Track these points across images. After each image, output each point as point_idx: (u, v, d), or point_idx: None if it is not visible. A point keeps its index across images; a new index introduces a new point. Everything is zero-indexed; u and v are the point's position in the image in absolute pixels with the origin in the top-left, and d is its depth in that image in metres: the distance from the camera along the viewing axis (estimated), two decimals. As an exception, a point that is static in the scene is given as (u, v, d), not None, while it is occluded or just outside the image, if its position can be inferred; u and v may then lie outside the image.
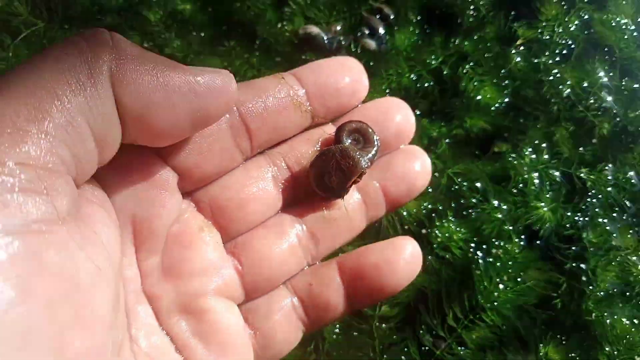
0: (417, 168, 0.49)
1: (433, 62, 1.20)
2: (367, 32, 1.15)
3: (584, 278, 1.05)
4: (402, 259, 0.46)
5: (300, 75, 0.46)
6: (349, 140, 0.49)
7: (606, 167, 1.10)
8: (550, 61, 1.18)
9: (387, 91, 1.16)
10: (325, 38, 1.14)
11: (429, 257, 1.08)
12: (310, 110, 0.46)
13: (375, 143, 0.49)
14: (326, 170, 0.46)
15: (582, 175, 1.10)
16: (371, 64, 1.18)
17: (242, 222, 0.45)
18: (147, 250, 0.40)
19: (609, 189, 1.08)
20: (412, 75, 1.19)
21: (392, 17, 1.19)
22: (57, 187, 0.26)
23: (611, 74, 1.17)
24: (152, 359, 0.37)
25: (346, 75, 0.47)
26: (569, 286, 1.05)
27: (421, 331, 1.03)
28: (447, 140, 1.15)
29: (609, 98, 1.16)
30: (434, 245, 1.09)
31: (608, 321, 1.01)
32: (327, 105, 0.47)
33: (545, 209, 1.07)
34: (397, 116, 0.50)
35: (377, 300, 0.50)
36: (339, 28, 1.16)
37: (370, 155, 0.48)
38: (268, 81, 0.45)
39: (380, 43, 1.19)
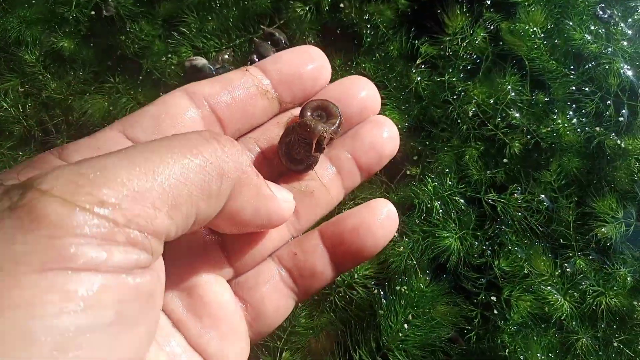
0: (384, 135, 0.51)
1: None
2: (256, 59, 1.09)
3: (497, 310, 0.99)
4: (378, 220, 0.48)
5: (264, 66, 0.50)
6: (312, 116, 0.52)
7: (517, 189, 1.05)
8: (454, 78, 1.12)
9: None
10: (212, 68, 1.08)
11: (333, 296, 1.01)
12: (277, 96, 0.50)
13: (338, 115, 0.52)
14: (292, 146, 0.49)
15: (490, 200, 1.04)
16: (267, 92, 1.12)
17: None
18: None
19: (519, 212, 1.03)
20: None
21: (284, 41, 1.13)
22: (157, 249, 0.32)
23: (520, 88, 1.12)
24: None
25: (308, 62, 0.50)
26: (483, 318, 0.99)
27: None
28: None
29: (518, 115, 1.10)
30: (337, 284, 1.02)
31: (522, 357, 0.95)
32: (293, 91, 0.50)
33: (451, 239, 1.01)
34: (361, 92, 0.53)
35: (361, 261, 0.51)
36: (227, 56, 1.11)
37: (334, 127, 0.51)
38: (234, 74, 0.49)
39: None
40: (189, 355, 0.43)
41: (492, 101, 1.11)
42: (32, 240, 0.28)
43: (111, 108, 1.09)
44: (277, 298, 0.48)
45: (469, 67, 1.15)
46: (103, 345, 0.28)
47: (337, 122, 0.52)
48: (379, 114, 0.55)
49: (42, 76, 1.11)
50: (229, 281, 0.48)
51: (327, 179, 0.52)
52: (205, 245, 0.47)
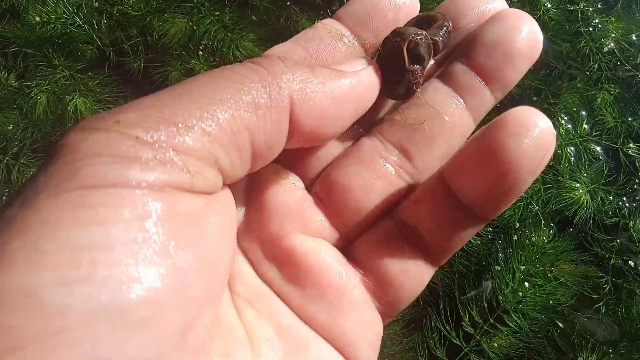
0: (515, 28, 0.41)
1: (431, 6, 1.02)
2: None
3: (632, 277, 0.89)
4: (518, 133, 0.36)
5: (338, 14, 0.44)
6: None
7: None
8: (590, 9, 0.99)
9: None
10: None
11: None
12: (354, 38, 0.44)
13: (442, 18, 0.43)
14: (385, 67, 0.42)
15: (630, 151, 0.92)
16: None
17: (318, 161, 0.44)
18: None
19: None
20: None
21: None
22: (202, 173, 0.31)
23: (667, 23, 0.98)
24: (252, 305, 0.39)
25: None
26: (614, 286, 0.89)
27: (432, 340, 0.88)
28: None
29: (664, 52, 0.97)
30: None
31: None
32: (373, 28, 0.44)
33: (581, 190, 0.90)
34: (482, 5, 0.43)
35: (505, 202, 0.37)
36: (327, -26, 1.00)
37: (439, 31, 0.42)
38: (305, 30, 0.43)
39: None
40: (298, 328, 0.40)
41: (634, 37, 0.98)
42: (51, 168, 0.28)
43: (194, 28, 1.00)
44: (403, 260, 0.42)
45: (606, -3, 1.01)
46: (123, 264, 0.26)
47: (444, 28, 0.42)
48: None
49: (118, -10, 1.03)
50: (336, 246, 0.43)
51: (440, 101, 0.42)
52: (299, 206, 0.43)
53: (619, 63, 0.98)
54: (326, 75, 0.38)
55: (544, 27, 1.01)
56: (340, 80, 0.38)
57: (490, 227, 0.92)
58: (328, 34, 0.44)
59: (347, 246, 0.43)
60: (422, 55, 0.41)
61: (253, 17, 1.02)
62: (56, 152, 0.28)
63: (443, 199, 0.40)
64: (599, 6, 1.01)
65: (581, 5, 1.00)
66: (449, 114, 0.42)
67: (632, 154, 0.92)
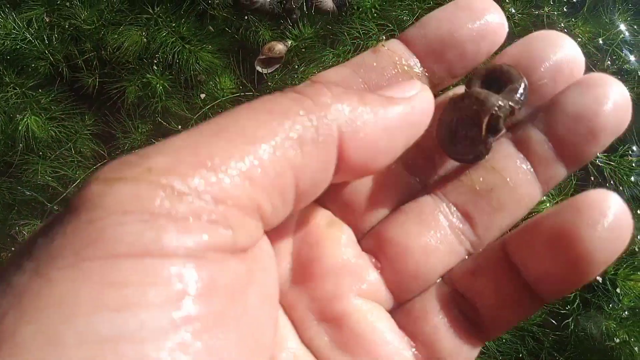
0: (601, 101, 0.37)
1: (407, 19, 1.00)
2: (321, -14, 0.95)
3: (600, 292, 0.86)
4: (596, 225, 0.34)
5: (406, 36, 0.41)
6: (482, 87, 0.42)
7: (629, 151, 0.89)
8: (556, 12, 0.96)
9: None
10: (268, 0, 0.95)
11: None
12: (424, 71, 0.41)
13: (520, 78, 0.39)
14: (455, 127, 0.40)
15: (597, 160, 0.89)
16: (329, 27, 0.99)
17: (373, 213, 0.41)
18: (277, 253, 0.38)
19: (632, 178, 0.88)
20: (382, 37, 0.99)
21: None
22: (244, 225, 0.27)
23: (635, 27, 0.95)
24: None
25: (468, 19, 0.39)
26: (583, 301, 0.86)
27: None
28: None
29: (632, 58, 0.94)
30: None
31: (637, 349, 0.82)
32: (447, 60, 0.40)
33: (548, 204, 0.87)
34: (554, 53, 0.39)
35: (572, 287, 0.34)
36: (285, -16, 0.97)
37: (517, 95, 0.39)
38: (365, 54, 0.41)
39: (340, 1, 0.99)
40: None
41: (600, 41, 0.95)
42: (70, 229, 0.23)
43: (148, 42, 0.97)
44: (454, 332, 0.39)
45: (573, 0, 0.98)
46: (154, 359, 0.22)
47: (521, 89, 0.39)
48: None
49: (70, 3, 0.99)
50: (390, 312, 0.40)
51: (511, 170, 0.39)
52: (354, 265, 0.39)
53: (587, 68, 0.95)
54: (377, 103, 0.34)
55: (509, 34, 0.98)
56: (392, 108, 0.34)
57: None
58: (392, 63, 0.40)
59: (397, 308, 0.40)
60: (499, 128, 0.38)
61: (210, 27, 0.98)
62: (76, 207, 0.24)
63: (505, 274, 0.37)
64: (565, 9, 0.97)
65: (546, 9, 0.97)
66: (519, 184, 0.39)
67: (600, 164, 0.89)
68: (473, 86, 0.42)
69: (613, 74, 0.89)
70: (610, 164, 0.89)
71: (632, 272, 0.86)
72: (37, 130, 0.94)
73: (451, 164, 0.44)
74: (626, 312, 0.84)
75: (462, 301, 0.40)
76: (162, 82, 0.97)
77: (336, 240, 0.40)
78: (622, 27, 0.96)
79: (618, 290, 0.84)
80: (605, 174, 0.89)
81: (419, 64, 0.41)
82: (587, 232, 0.35)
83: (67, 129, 0.95)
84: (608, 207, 0.35)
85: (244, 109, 0.30)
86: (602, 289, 0.86)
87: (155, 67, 0.97)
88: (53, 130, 0.94)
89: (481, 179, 0.41)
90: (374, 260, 0.40)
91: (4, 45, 0.98)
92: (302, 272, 0.39)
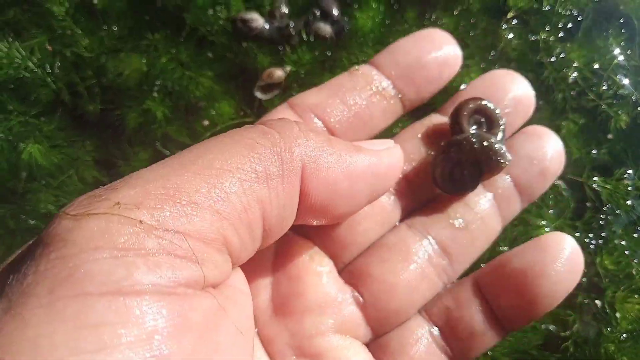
0: (546, 149, 0.45)
1: (406, 46, 1.00)
2: (318, 14, 0.96)
3: (599, 314, 0.87)
4: (556, 262, 0.40)
5: (378, 61, 0.44)
6: (472, 126, 0.45)
7: (625, 174, 0.90)
8: (552, 38, 0.98)
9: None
10: (267, 27, 0.96)
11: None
12: (397, 94, 0.44)
13: (501, 125, 0.44)
14: (457, 164, 0.42)
15: (595, 185, 0.90)
16: (328, 53, 1.00)
17: (355, 244, 0.42)
18: (256, 285, 0.38)
19: (629, 201, 0.89)
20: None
21: (349, -7, 1.00)
22: (212, 260, 0.27)
23: (629, 52, 0.97)
24: None
25: (431, 48, 0.44)
26: (582, 324, 0.87)
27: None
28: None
29: (626, 82, 0.95)
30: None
31: (634, 371, 0.83)
32: (415, 83, 0.44)
33: (547, 228, 0.88)
34: (512, 89, 0.46)
35: (536, 317, 0.41)
36: (285, 11, 0.97)
37: (501, 135, 0.44)
38: (342, 77, 0.44)
39: (338, 27, 1.00)
40: None
41: (596, 66, 0.96)
42: (42, 266, 0.23)
43: (147, 71, 0.97)
44: None
45: (568, 26, 0.99)
46: None
47: (502, 134, 0.44)
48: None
49: (72, 32, 1.00)
50: (367, 344, 0.42)
51: (482, 206, 0.43)
52: (335, 301, 0.40)
53: (582, 93, 0.96)
54: (343, 148, 0.34)
55: (506, 58, 0.99)
56: (357, 155, 0.35)
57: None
58: (368, 86, 0.42)
59: (374, 341, 0.42)
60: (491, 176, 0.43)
61: (209, 54, 0.99)
62: (46, 243, 0.24)
63: (478, 309, 0.40)
64: (561, 35, 0.98)
65: (542, 35, 0.98)
66: (488, 220, 0.43)
67: (597, 188, 0.90)
68: (462, 121, 0.44)
69: (608, 98, 0.90)
70: (606, 188, 0.90)
71: (630, 294, 0.86)
72: (39, 158, 0.94)
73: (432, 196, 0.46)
74: (624, 335, 0.85)
75: (437, 334, 0.42)
76: (162, 108, 0.98)
77: (317, 275, 0.40)
78: (617, 51, 0.97)
79: (617, 314, 0.85)
80: (602, 197, 0.90)
81: (391, 86, 0.44)
82: (549, 267, 0.40)
83: (69, 156, 0.96)
84: (564, 246, 0.41)
85: (213, 141, 0.30)
86: (600, 312, 0.87)
87: (156, 94, 0.98)
88: (56, 158, 0.94)
89: (459, 217, 0.42)
90: (355, 293, 0.41)
91: (8, 74, 0.98)
92: (282, 306, 0.39)
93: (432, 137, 0.46)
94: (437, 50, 0.44)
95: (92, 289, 0.23)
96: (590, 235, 0.89)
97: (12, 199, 0.94)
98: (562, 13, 0.99)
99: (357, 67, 0.45)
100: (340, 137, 0.42)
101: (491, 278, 0.42)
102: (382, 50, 0.46)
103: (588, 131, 0.95)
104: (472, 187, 0.43)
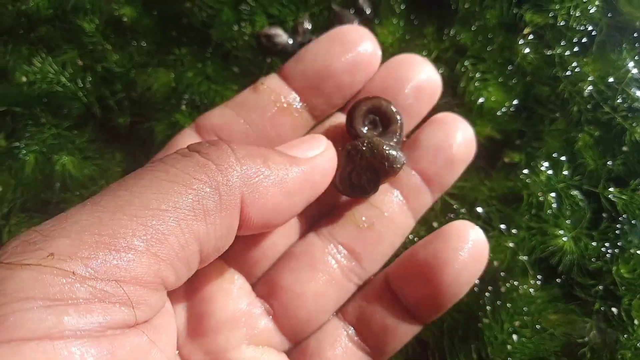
0: (453, 137, 0.43)
1: (425, 60, 1.03)
2: (340, 30, 0.99)
3: (615, 322, 0.89)
4: (459, 251, 0.39)
5: (286, 71, 0.42)
6: (365, 128, 0.43)
7: (640, 185, 0.93)
8: (567, 52, 1.00)
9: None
10: (291, 42, 0.99)
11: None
12: (304, 106, 0.42)
13: (398, 120, 0.43)
14: (354, 169, 0.42)
15: (611, 196, 0.93)
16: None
17: (266, 258, 0.42)
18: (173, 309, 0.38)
19: (645, 212, 0.91)
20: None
21: (368, 10, 1.03)
22: (147, 301, 0.27)
23: (643, 66, 0.99)
24: None
25: (340, 52, 0.41)
26: (599, 331, 0.89)
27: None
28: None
29: (640, 95, 0.98)
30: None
31: (650, 377, 0.85)
32: (325, 94, 0.42)
33: (565, 237, 0.90)
34: (414, 77, 0.44)
35: (444, 307, 0.41)
36: (308, 27, 1.00)
37: (396, 136, 0.43)
38: (246, 93, 0.42)
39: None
40: None
41: (611, 80, 0.98)
42: None
43: (174, 85, 1.01)
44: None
45: (582, 40, 1.02)
46: None
47: (399, 131, 0.43)
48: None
49: (102, 47, 1.03)
50: (288, 352, 0.42)
51: (387, 203, 0.43)
52: (246, 315, 0.40)
53: (598, 106, 0.99)
54: (279, 165, 0.34)
55: (522, 72, 1.01)
56: (294, 169, 0.35)
57: (477, 279, 0.92)
58: (272, 102, 0.41)
59: (294, 348, 0.42)
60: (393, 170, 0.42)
61: (235, 68, 1.02)
62: None
63: (388, 303, 0.41)
64: (576, 49, 1.01)
65: (557, 50, 1.00)
66: (395, 216, 0.43)
67: (613, 199, 0.93)
68: (356, 124, 0.43)
69: (623, 111, 0.93)
70: (622, 198, 0.92)
71: (646, 302, 0.89)
72: (72, 169, 0.98)
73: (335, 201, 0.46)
74: (640, 342, 0.87)
75: (353, 333, 0.42)
76: (190, 121, 1.01)
77: (227, 293, 0.40)
78: (630, 65, 0.99)
79: (635, 321, 0.87)
80: (618, 208, 0.92)
81: (298, 99, 0.42)
82: (452, 257, 0.40)
83: (100, 167, 0.99)
84: (468, 235, 0.41)
85: (149, 177, 0.29)
86: (616, 319, 0.89)
87: (184, 107, 1.01)
88: (87, 169, 0.97)
89: (363, 218, 0.43)
90: (266, 305, 0.41)
91: (41, 88, 1.02)
92: (196, 327, 0.39)
93: (332, 140, 0.44)
94: (348, 53, 0.41)
95: (21, 335, 0.23)
96: (607, 244, 0.92)
97: (47, 209, 0.97)
98: (577, 28, 1.02)
99: (262, 81, 0.43)
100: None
101: (399, 271, 0.42)
102: (292, 58, 0.44)
103: (603, 143, 0.97)
104: (373, 190, 0.43)
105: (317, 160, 0.37)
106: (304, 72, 0.41)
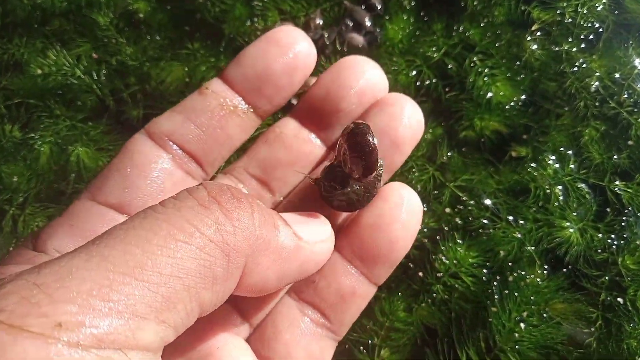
0: (398, 118, 0.43)
1: (434, 55, 1.06)
2: (350, 25, 1.01)
3: (621, 312, 0.91)
4: (397, 211, 0.41)
5: (227, 75, 0.43)
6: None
7: (646, 178, 0.95)
8: (574, 49, 1.03)
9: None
10: (302, 35, 1.00)
11: (436, 286, 0.95)
12: (249, 108, 0.43)
13: (381, 167, 0.42)
14: (339, 175, 0.41)
15: (617, 188, 0.95)
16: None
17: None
18: None
19: (650, 204, 0.93)
20: (410, 72, 1.05)
21: (379, 6, 1.05)
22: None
23: (648, 62, 1.01)
24: None
25: (277, 54, 0.42)
26: (605, 321, 0.91)
27: (430, 378, 0.91)
28: (451, 147, 1.00)
29: (646, 90, 1.00)
30: (440, 274, 0.95)
31: (655, 366, 0.87)
32: (266, 95, 0.43)
33: (572, 229, 0.92)
34: (360, 78, 0.44)
35: (393, 264, 0.42)
36: (319, 22, 1.02)
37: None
38: (193, 98, 0.43)
39: (370, 37, 1.05)
40: None
41: (617, 76, 1.00)
42: None
43: (188, 79, 1.03)
44: (307, 343, 0.42)
45: (589, 37, 1.04)
46: None
47: (381, 170, 0.43)
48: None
49: (116, 41, 1.05)
50: (247, 339, 0.42)
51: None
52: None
53: (604, 101, 1.01)
54: (286, 240, 0.34)
55: (530, 68, 1.03)
56: (294, 253, 0.35)
57: (485, 269, 0.94)
58: (219, 106, 0.42)
59: (253, 333, 0.43)
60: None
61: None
62: None
63: (341, 272, 0.42)
64: (583, 46, 1.03)
65: (565, 46, 1.02)
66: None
67: (619, 192, 0.95)
68: (346, 162, 0.42)
69: (629, 106, 0.95)
70: (627, 191, 0.95)
71: (650, 293, 0.91)
72: (87, 160, 1.00)
73: None
74: (646, 332, 0.89)
75: (310, 311, 0.42)
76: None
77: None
78: (637, 61, 1.01)
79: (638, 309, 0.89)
80: (623, 200, 0.94)
81: (243, 102, 0.43)
82: (395, 214, 0.41)
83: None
84: (404, 194, 0.41)
85: (163, 235, 0.28)
86: (622, 309, 0.91)
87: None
88: (101, 160, 0.99)
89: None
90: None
91: (56, 81, 1.04)
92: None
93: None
94: (285, 55, 0.42)
95: None
96: (613, 236, 0.94)
97: (61, 200, 0.99)
98: (584, 25, 1.04)
99: (207, 85, 0.43)
100: (201, 159, 0.43)
101: (347, 240, 0.43)
102: (232, 62, 0.45)
103: (609, 137, 0.99)
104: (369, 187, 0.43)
105: (318, 247, 0.37)
106: (245, 75, 0.43)
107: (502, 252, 0.94)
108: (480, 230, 0.97)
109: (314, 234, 0.37)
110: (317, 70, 1.04)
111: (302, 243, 0.36)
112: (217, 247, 0.29)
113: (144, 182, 0.40)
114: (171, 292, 0.27)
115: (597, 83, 1.01)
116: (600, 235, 0.94)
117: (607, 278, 0.92)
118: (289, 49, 0.42)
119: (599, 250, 0.93)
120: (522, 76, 1.03)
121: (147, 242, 0.27)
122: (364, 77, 0.43)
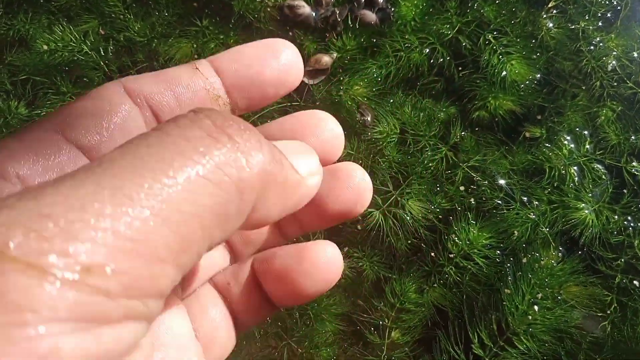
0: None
1: (448, 33, 1.04)
2: (362, 1, 0.99)
3: (638, 295, 0.89)
4: (314, 263, 0.41)
5: (219, 63, 0.40)
6: None
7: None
8: (591, 27, 1.00)
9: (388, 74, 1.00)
10: (315, 15, 0.99)
11: (448, 268, 0.93)
12: (229, 102, 0.41)
13: None
14: None
15: (634, 169, 0.93)
16: (373, 40, 1.02)
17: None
18: None
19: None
20: (423, 50, 1.03)
21: (392, -17, 1.03)
22: (151, 313, 0.25)
23: (668, 40, 0.99)
24: None
25: (273, 63, 0.40)
26: (620, 304, 0.90)
27: (440, 360, 0.89)
28: (465, 127, 0.99)
29: (666, 70, 0.98)
30: (452, 254, 0.94)
31: (670, 349, 0.86)
32: (250, 98, 0.41)
33: (587, 210, 0.91)
34: (318, 135, 0.42)
35: (301, 303, 0.43)
36: (331, -2, 1.00)
37: None
38: (181, 70, 0.39)
39: (383, 14, 1.02)
40: None
41: (635, 55, 0.98)
42: None
43: (197, 56, 1.01)
44: (226, 324, 0.42)
45: (607, 15, 1.02)
46: None
47: None
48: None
49: (124, 17, 1.03)
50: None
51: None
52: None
53: (621, 80, 0.99)
54: (290, 175, 0.34)
55: (546, 46, 1.01)
56: (297, 187, 0.34)
57: (498, 250, 0.93)
58: (203, 89, 0.41)
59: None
60: None
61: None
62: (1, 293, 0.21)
63: (252, 289, 0.42)
64: (600, 24, 1.01)
65: (582, 24, 1.00)
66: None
67: (636, 172, 0.93)
68: None
69: (647, 85, 0.93)
70: (645, 173, 0.93)
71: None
72: (94, 138, 0.98)
73: None
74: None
75: (222, 302, 0.43)
76: (211, 92, 1.01)
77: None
78: (655, 40, 0.99)
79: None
80: (640, 182, 0.93)
81: (226, 95, 0.43)
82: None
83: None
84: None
85: (182, 168, 0.26)
86: (638, 292, 0.90)
87: (205, 78, 1.01)
88: (108, 138, 0.98)
89: None
90: None
91: (62, 57, 1.02)
92: None
93: None
94: (279, 69, 0.40)
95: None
96: (629, 218, 0.92)
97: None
98: (602, 2, 1.02)
99: (196, 65, 0.42)
100: None
101: (265, 268, 0.43)
102: (225, 53, 0.44)
103: (626, 118, 0.97)
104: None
105: (311, 180, 0.36)
106: (236, 73, 0.40)
107: (515, 233, 0.93)
108: (494, 211, 0.95)
109: (307, 167, 0.36)
110: (328, 47, 1.02)
111: (300, 177, 0.35)
112: (233, 184, 0.27)
113: (120, 135, 0.39)
114: (189, 232, 0.25)
115: (614, 62, 0.99)
116: (616, 217, 0.92)
117: (622, 261, 0.91)
118: (286, 65, 0.39)
119: (615, 233, 0.92)
120: (538, 55, 1.01)
121: (159, 169, 0.24)
122: (324, 132, 0.43)
